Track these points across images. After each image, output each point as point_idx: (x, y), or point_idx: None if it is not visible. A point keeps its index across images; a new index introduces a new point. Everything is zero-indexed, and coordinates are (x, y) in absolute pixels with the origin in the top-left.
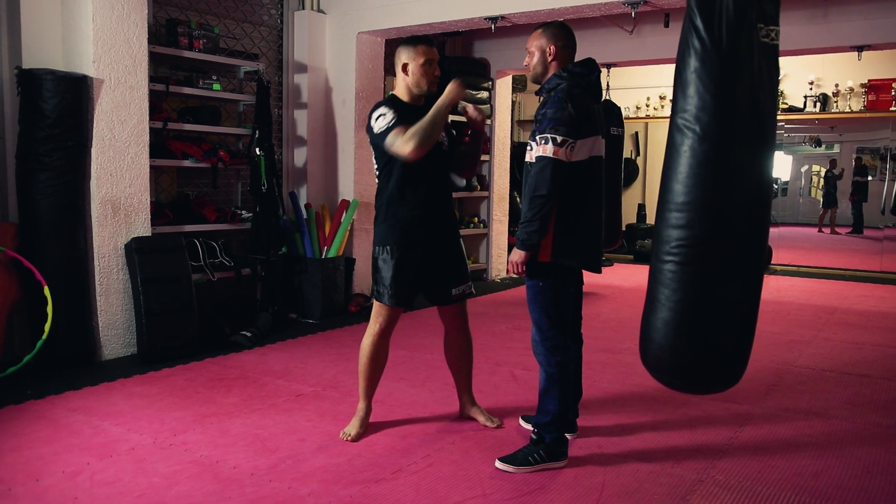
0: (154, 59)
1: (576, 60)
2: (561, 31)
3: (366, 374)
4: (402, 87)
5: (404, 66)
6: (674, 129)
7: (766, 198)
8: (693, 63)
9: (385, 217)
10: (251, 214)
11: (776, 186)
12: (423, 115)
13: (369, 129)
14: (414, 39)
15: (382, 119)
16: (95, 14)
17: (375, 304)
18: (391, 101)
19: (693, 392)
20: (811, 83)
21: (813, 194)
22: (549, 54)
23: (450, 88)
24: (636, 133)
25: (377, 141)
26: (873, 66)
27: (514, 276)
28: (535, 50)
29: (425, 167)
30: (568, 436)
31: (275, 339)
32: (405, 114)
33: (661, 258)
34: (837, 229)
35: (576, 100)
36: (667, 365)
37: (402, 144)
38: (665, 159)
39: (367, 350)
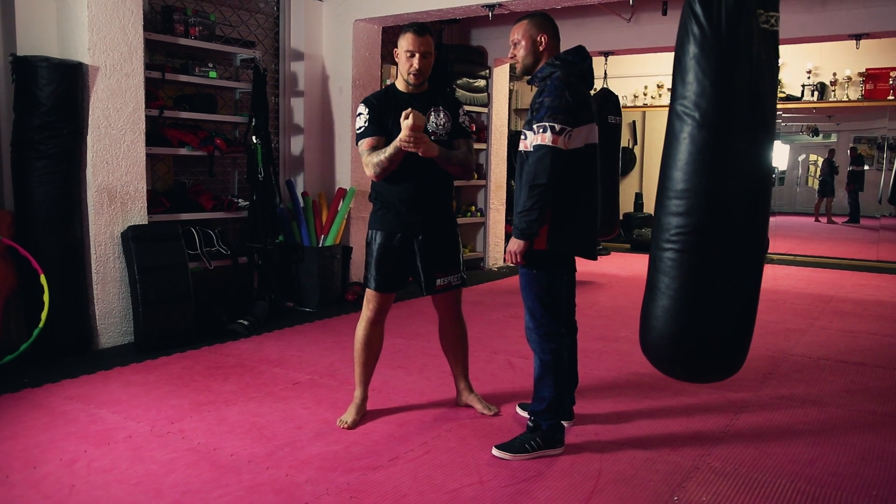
0: (150, 46)
1: (566, 49)
2: (547, 20)
3: (360, 361)
4: (398, 73)
5: (395, 53)
6: (673, 116)
7: (766, 184)
8: (692, 49)
9: (376, 202)
10: (248, 203)
11: (773, 176)
12: (423, 102)
13: None
14: (407, 25)
15: (359, 119)
16: (90, 0)
17: (366, 290)
18: (374, 96)
19: (693, 380)
20: (809, 72)
21: (810, 184)
22: (541, 44)
23: (402, 135)
24: (634, 122)
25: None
26: (871, 54)
27: (512, 265)
28: (523, 40)
29: (414, 156)
30: (564, 423)
31: (271, 327)
32: (385, 110)
33: (661, 246)
34: (834, 218)
35: (572, 88)
36: (666, 353)
37: (365, 165)
38: (664, 146)
39: (360, 336)
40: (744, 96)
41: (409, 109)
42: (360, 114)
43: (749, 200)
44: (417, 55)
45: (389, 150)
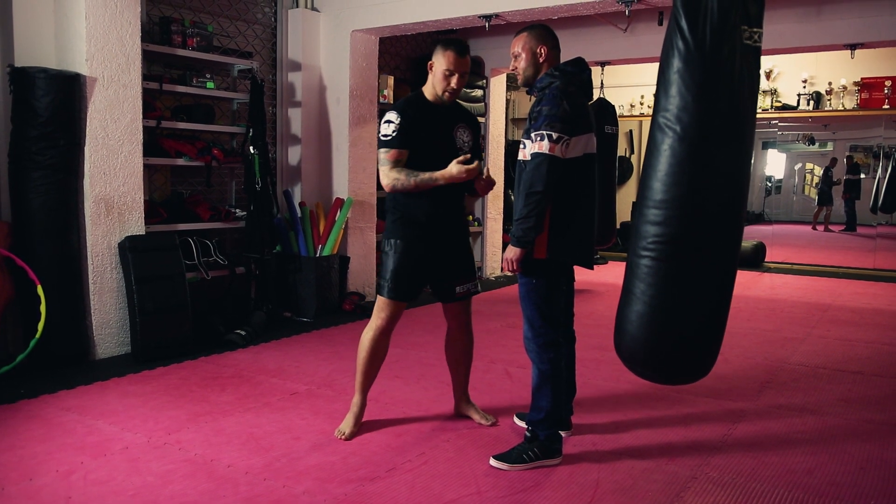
0: (147, 57)
1: (564, 60)
2: (547, 32)
3: (363, 369)
4: (429, 84)
5: (431, 65)
6: (655, 128)
7: (742, 198)
8: (676, 63)
9: (395, 211)
10: (245, 213)
11: (770, 184)
12: (442, 118)
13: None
14: (448, 43)
15: (386, 127)
16: (88, 12)
17: (378, 298)
18: (407, 105)
19: (664, 382)
20: (805, 81)
21: (807, 192)
22: (541, 56)
23: (455, 172)
24: (630, 131)
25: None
26: (866, 64)
27: (510, 273)
28: (523, 52)
29: (439, 166)
30: (562, 433)
31: (269, 337)
32: (417, 121)
33: (638, 253)
34: (831, 227)
35: (570, 97)
36: (640, 356)
37: (383, 175)
38: (645, 156)
39: (367, 344)
40: (724, 112)
41: (476, 163)
42: (389, 121)
43: (725, 214)
44: (457, 75)
45: (427, 178)
